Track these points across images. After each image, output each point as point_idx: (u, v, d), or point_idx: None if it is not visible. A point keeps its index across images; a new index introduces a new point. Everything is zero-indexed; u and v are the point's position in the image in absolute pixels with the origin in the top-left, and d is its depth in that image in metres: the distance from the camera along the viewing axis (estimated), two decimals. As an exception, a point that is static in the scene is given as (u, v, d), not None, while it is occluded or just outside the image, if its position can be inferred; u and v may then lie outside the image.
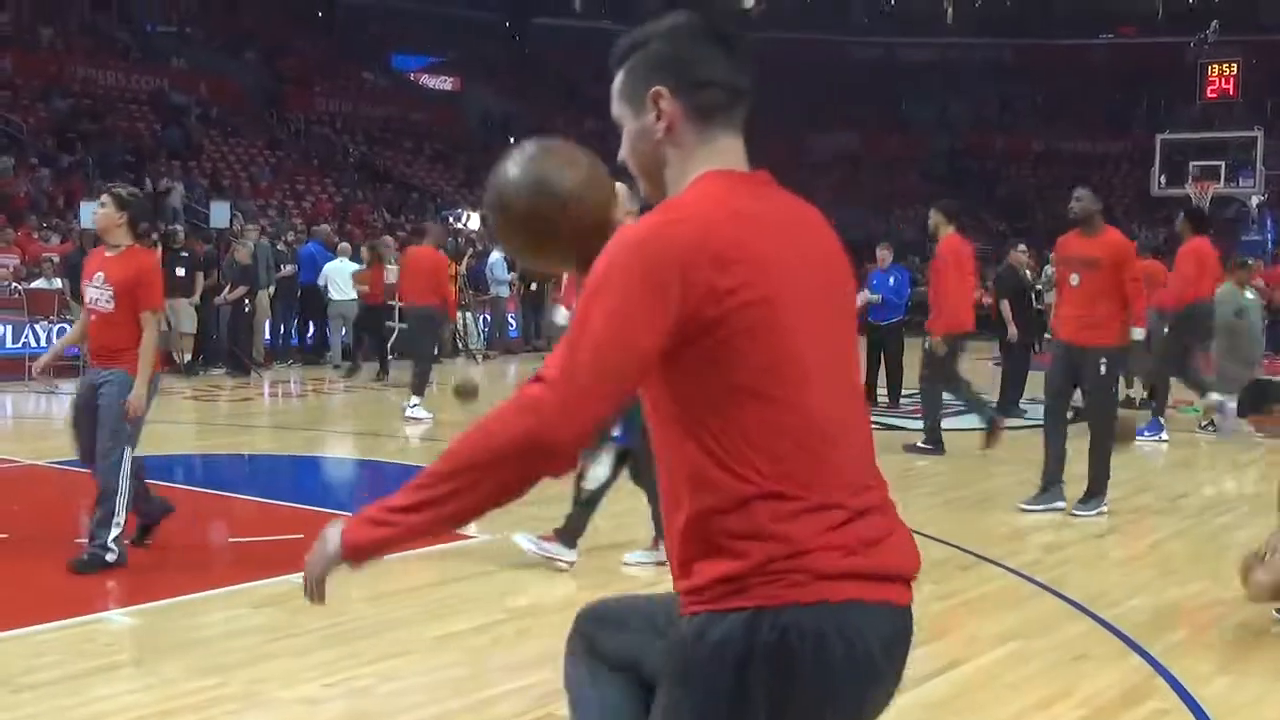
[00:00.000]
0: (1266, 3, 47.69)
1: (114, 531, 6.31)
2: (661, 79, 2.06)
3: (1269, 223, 31.05)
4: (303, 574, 2.15)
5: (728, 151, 2.08)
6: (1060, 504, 8.17)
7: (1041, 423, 8.53)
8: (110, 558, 6.29)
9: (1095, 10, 50.09)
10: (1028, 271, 14.57)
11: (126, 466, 6.39)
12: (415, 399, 12.47)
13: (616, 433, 6.23)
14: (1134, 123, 43.71)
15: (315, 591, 2.15)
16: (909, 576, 2.06)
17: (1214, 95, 37.37)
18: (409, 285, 13.28)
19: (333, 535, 2.07)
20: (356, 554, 2.05)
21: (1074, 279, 8.16)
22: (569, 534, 6.62)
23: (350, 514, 2.07)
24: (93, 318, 6.58)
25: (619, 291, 1.89)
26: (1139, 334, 8.22)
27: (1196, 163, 30.18)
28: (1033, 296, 14.33)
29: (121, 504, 6.35)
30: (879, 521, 2.03)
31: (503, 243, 2.49)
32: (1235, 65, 37.56)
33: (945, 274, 10.33)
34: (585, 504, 6.56)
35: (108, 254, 6.56)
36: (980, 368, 15.21)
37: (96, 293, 6.47)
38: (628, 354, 1.89)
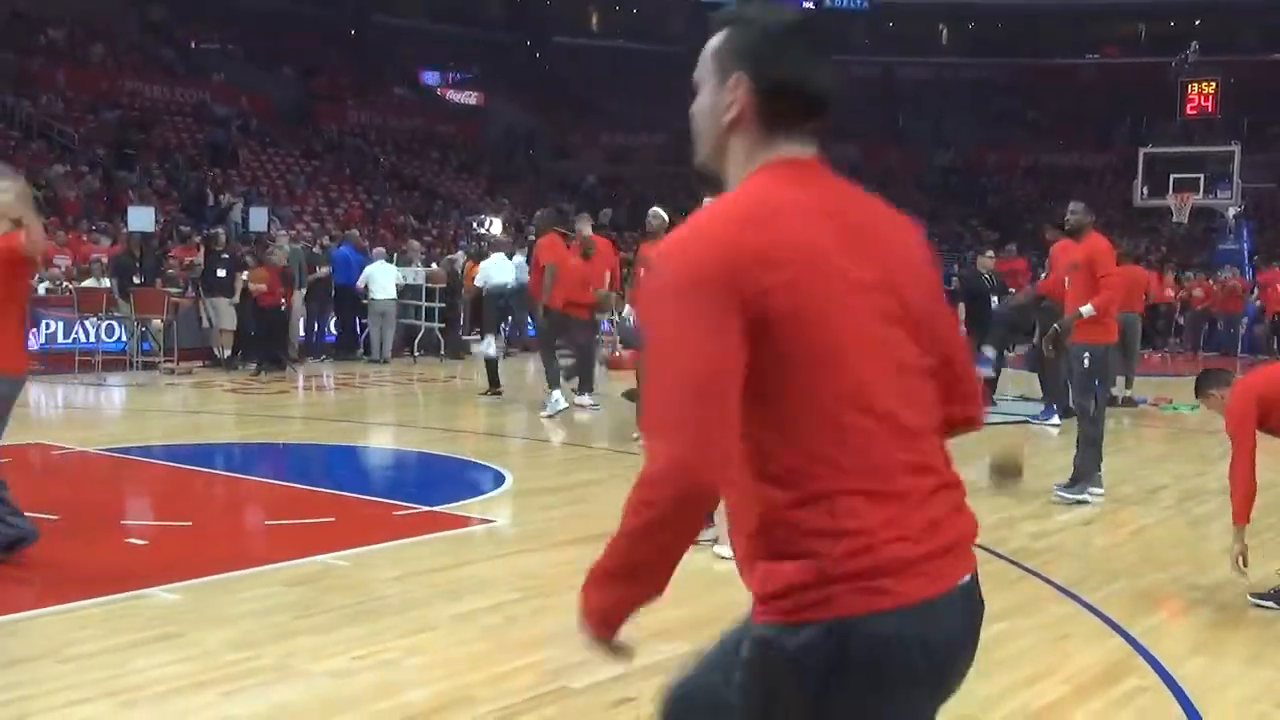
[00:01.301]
0: (1244, 26, 47.60)
1: None
2: (744, 67, 1.89)
3: (1245, 233, 30.95)
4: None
5: (794, 155, 1.92)
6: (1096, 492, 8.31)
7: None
8: None
9: (1081, 32, 50.05)
10: (990, 276, 14.41)
11: None
12: (556, 392, 12.19)
13: None
14: (1118, 138, 43.59)
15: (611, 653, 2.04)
16: (969, 540, 1.94)
17: (1194, 112, 37.24)
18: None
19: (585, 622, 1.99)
20: (594, 628, 1.99)
21: (1067, 282, 8.30)
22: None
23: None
24: None
25: (679, 312, 1.75)
26: (1088, 310, 8.17)
27: (1177, 175, 30.07)
28: (996, 300, 14.19)
29: None
30: (943, 501, 1.88)
31: None
32: (1214, 84, 37.45)
33: None
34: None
35: None
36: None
37: None
38: (714, 369, 1.73)
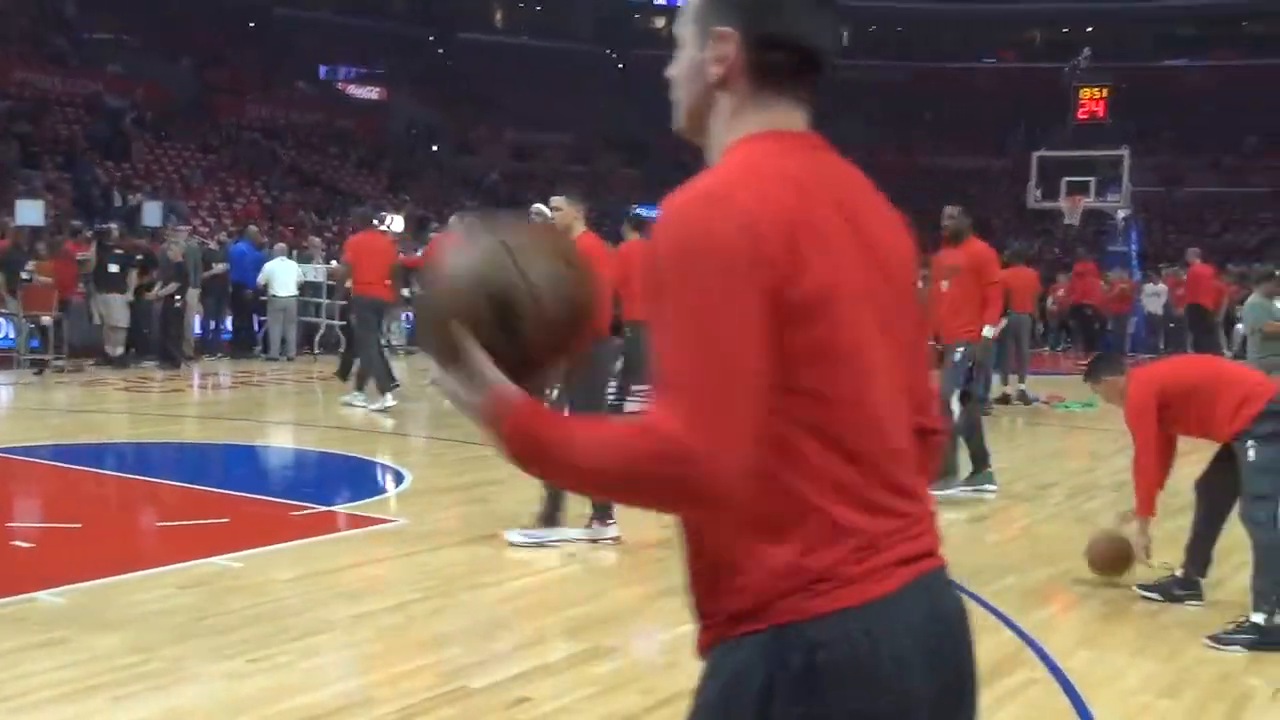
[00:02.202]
0: (1134, 33, 48.93)
1: None
2: (733, 20, 1.68)
3: (1134, 235, 31.72)
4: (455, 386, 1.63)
5: (784, 120, 1.72)
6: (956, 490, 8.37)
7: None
8: None
9: (978, 37, 51.03)
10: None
11: None
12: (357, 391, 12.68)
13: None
14: (1013, 141, 44.41)
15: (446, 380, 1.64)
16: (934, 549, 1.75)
17: (1085, 117, 38.24)
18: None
19: (504, 411, 1.59)
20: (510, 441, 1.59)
21: (944, 284, 8.54)
22: (548, 518, 6.73)
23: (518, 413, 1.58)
24: None
25: (699, 288, 1.51)
26: (990, 331, 8.46)
27: (1069, 179, 30.73)
28: None
29: None
30: (920, 528, 1.72)
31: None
32: (1105, 89, 38.53)
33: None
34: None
35: None
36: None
37: None
38: (745, 352, 1.51)
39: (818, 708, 1.56)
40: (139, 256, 17.06)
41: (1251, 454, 5.46)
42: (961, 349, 8.47)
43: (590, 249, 6.93)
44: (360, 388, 12.74)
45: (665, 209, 1.60)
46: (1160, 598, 5.89)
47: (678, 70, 1.77)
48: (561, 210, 7.11)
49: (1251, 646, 5.23)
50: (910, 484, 1.70)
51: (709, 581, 1.65)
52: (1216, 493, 5.85)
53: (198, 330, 18.40)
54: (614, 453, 1.52)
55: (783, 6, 1.70)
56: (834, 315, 1.58)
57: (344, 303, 18.35)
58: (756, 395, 1.51)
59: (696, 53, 1.73)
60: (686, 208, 1.58)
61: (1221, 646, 5.26)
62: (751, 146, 1.68)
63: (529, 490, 6.76)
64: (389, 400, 12.25)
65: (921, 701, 1.61)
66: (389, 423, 11.82)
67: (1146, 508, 5.78)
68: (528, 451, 1.58)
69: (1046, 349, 23.83)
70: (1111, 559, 6.03)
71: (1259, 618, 5.29)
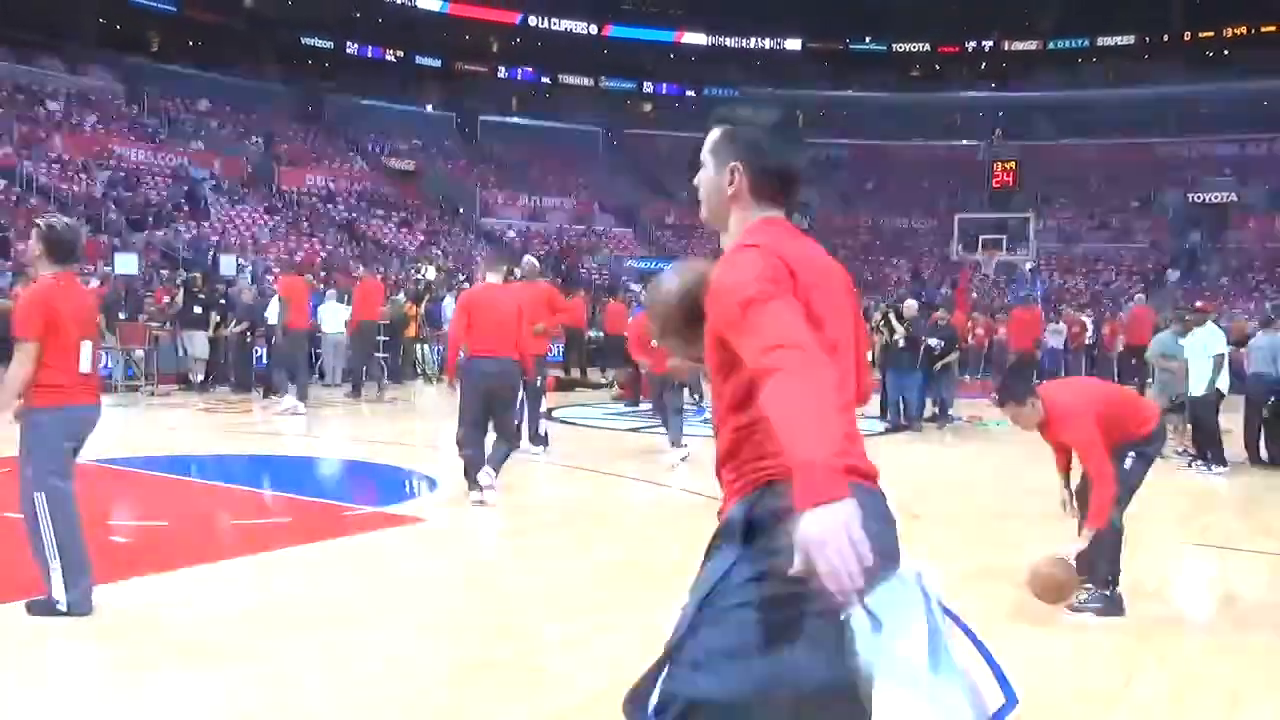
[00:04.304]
0: (1039, 118, 49.27)
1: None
2: (741, 157, 2.11)
3: (1039, 282, 31.90)
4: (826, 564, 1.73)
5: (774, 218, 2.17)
6: None
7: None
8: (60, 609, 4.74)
9: (909, 117, 51.32)
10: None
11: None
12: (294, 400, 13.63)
13: None
14: (939, 205, 44.68)
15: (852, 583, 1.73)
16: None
17: (999, 185, 38.58)
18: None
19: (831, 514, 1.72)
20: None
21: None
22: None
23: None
24: None
25: (769, 289, 1.92)
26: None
27: (985, 236, 30.87)
28: None
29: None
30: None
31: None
32: (1014, 163, 38.82)
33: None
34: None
35: None
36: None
37: None
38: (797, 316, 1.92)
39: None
40: (222, 301, 17.08)
41: (1128, 464, 5.42)
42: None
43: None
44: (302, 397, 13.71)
45: (733, 258, 2.03)
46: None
47: (702, 182, 2.19)
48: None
49: (1100, 614, 5.31)
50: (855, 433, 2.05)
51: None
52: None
53: (263, 362, 18.31)
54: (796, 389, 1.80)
55: (772, 147, 2.12)
56: (815, 312, 1.98)
57: (386, 339, 18.33)
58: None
59: (714, 175, 2.16)
60: (746, 257, 1.99)
61: (1077, 612, 5.30)
62: (759, 226, 2.11)
63: (544, 492, 6.74)
64: (300, 407, 13.36)
65: None
66: (426, 438, 11.75)
67: (1103, 521, 5.17)
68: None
69: (966, 377, 23.84)
70: (1055, 587, 5.26)
71: (1100, 590, 5.32)
